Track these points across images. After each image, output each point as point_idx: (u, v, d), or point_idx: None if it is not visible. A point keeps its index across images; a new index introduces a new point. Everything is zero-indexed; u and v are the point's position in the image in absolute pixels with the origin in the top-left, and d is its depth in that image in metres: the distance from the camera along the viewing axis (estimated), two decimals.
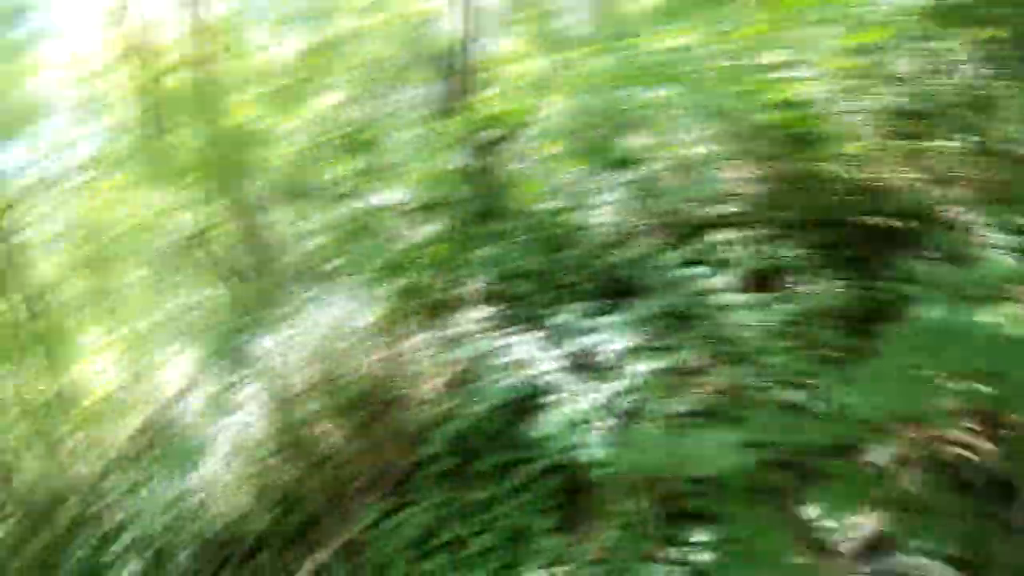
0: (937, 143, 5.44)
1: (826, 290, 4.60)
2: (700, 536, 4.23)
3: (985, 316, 3.88)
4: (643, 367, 4.49)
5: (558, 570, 4.53)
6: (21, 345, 12.06)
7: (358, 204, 6.36)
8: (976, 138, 5.02)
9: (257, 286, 7.15)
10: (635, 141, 5.95)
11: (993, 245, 4.60)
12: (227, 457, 6.57)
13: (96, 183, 11.64)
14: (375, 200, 6.39)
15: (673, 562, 4.20)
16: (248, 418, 6.53)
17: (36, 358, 12.09)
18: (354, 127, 6.40)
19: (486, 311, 4.85)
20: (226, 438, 6.63)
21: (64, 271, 15.15)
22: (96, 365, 11.46)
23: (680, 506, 4.49)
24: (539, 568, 4.63)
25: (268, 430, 6.38)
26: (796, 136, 5.55)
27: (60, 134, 16.39)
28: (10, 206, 12.14)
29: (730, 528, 2.43)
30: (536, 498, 4.95)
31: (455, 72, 7.68)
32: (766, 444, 3.01)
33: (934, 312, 3.86)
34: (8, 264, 11.71)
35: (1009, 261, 4.63)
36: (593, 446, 4.27)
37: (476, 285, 5.69)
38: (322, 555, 5.73)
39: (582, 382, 4.43)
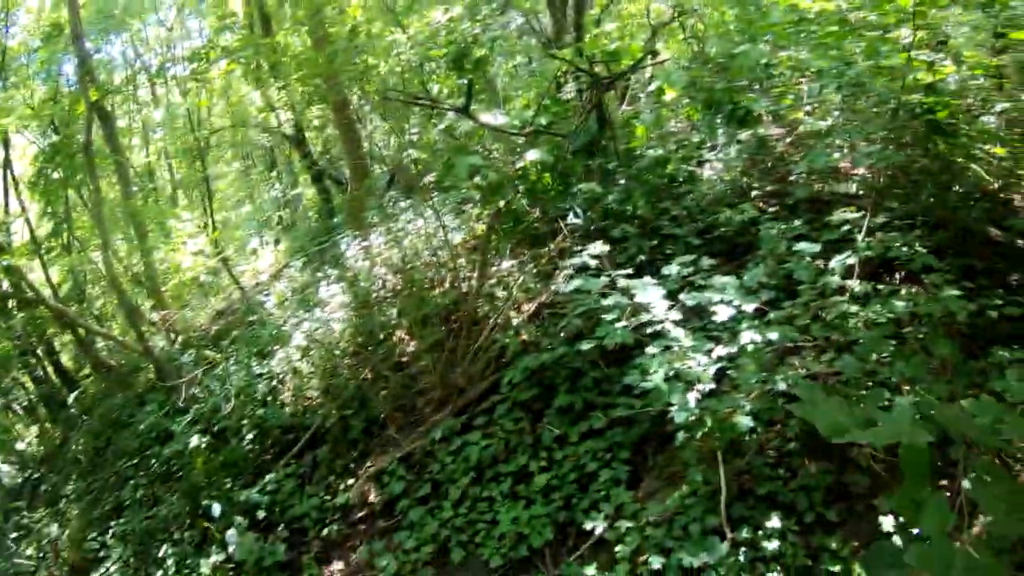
0: None
1: (943, 296, 3.96)
2: (772, 523, 3.77)
3: None
4: (750, 335, 3.95)
5: (620, 524, 4.13)
6: (116, 223, 12.04)
7: (461, 121, 5.82)
8: None
9: (350, 190, 6.68)
10: (756, 99, 5.24)
11: None
12: (302, 350, 6.30)
13: (199, 76, 11.25)
14: (479, 119, 5.84)
15: (739, 544, 3.74)
16: (327, 315, 6.20)
17: (129, 236, 12.05)
18: (463, 45, 5.80)
19: (591, 245, 4.32)
20: (304, 332, 6.33)
21: (162, 158, 15.01)
22: (185, 248, 11.33)
23: (754, 487, 4.07)
24: (601, 517, 4.25)
25: (346, 330, 6.05)
26: (935, 124, 4.76)
27: (167, 27, 16.08)
28: (114, 92, 11.90)
29: (898, 501, 1.97)
30: (609, 446, 4.55)
31: (567, 3, 6.97)
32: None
33: None
34: (109, 147, 11.55)
35: None
36: (687, 407, 3.77)
37: (575, 220, 5.17)
38: (383, 461, 5.47)
39: (686, 339, 3.92)
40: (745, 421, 3.85)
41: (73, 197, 13.08)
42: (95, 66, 11.48)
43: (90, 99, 9.67)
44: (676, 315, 3.79)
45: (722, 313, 3.84)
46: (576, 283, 3.87)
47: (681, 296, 3.88)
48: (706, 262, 4.26)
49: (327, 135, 9.47)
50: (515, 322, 5.13)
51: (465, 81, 5.85)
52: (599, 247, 4.05)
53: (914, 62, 4.69)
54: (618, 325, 3.63)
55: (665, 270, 4.08)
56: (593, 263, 4.07)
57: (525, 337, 4.94)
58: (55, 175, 11.93)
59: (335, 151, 9.47)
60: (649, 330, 3.83)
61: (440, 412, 5.28)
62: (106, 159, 11.62)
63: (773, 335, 3.86)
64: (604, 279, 3.82)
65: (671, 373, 3.68)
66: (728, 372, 4.03)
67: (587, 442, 4.65)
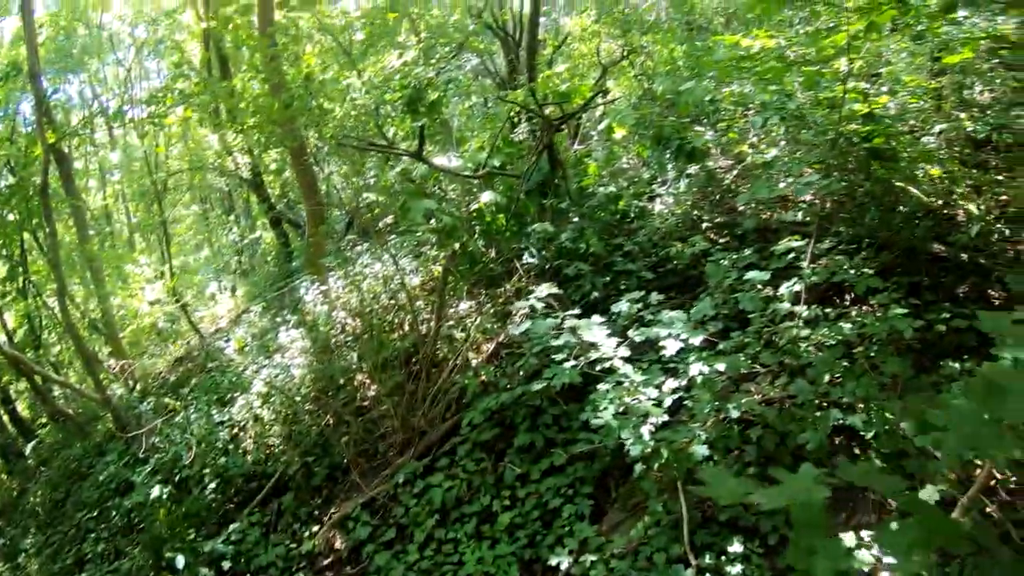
0: (1013, 178, 4.87)
1: (890, 315, 4.13)
2: (735, 547, 3.86)
3: None
4: (699, 367, 4.07)
5: (585, 558, 4.18)
6: (73, 268, 11.80)
7: (416, 164, 5.90)
8: None
9: (308, 234, 6.70)
10: (704, 134, 5.43)
11: None
12: (263, 397, 6.25)
13: (157, 119, 11.20)
14: (434, 162, 5.93)
15: (704, 570, 3.82)
16: (288, 361, 6.17)
17: (86, 281, 11.81)
18: (417, 88, 5.92)
19: (539, 287, 4.42)
20: (264, 379, 6.29)
21: (119, 201, 14.77)
22: (143, 293, 11.15)
23: (716, 514, 4.15)
24: (566, 553, 4.29)
25: (306, 376, 6.03)
26: (873, 150, 5.00)
27: (124, 69, 15.98)
28: (71, 134, 11.78)
29: (789, 554, 2.06)
30: (571, 482, 4.60)
31: (520, 45, 7.15)
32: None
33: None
34: (65, 189, 11.39)
35: None
36: (641, 440, 3.87)
37: (530, 260, 5.26)
38: (347, 507, 5.43)
39: (637, 373, 4.02)
40: (701, 450, 3.96)
41: (28, 240, 12.84)
42: (52, 106, 11.36)
43: (47, 140, 9.55)
44: (624, 352, 3.89)
45: (671, 347, 3.95)
46: (525, 326, 3.96)
47: (630, 332, 3.98)
48: (655, 297, 4.38)
49: (285, 178, 9.48)
50: (474, 363, 5.18)
51: (420, 124, 5.95)
52: (546, 290, 4.15)
53: (849, 94, 4.93)
54: (567, 365, 3.72)
55: (615, 307, 4.19)
56: (540, 306, 4.16)
57: (484, 378, 4.99)
58: (10, 217, 11.71)
59: (293, 195, 9.47)
60: (599, 367, 3.93)
61: (403, 455, 5.28)
62: (63, 202, 11.45)
63: (722, 366, 3.98)
64: (552, 321, 3.92)
65: (621, 408, 3.76)
66: (686, 403, 4.13)
67: (549, 479, 4.69)
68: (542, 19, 7.48)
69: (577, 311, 4.18)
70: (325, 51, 8.30)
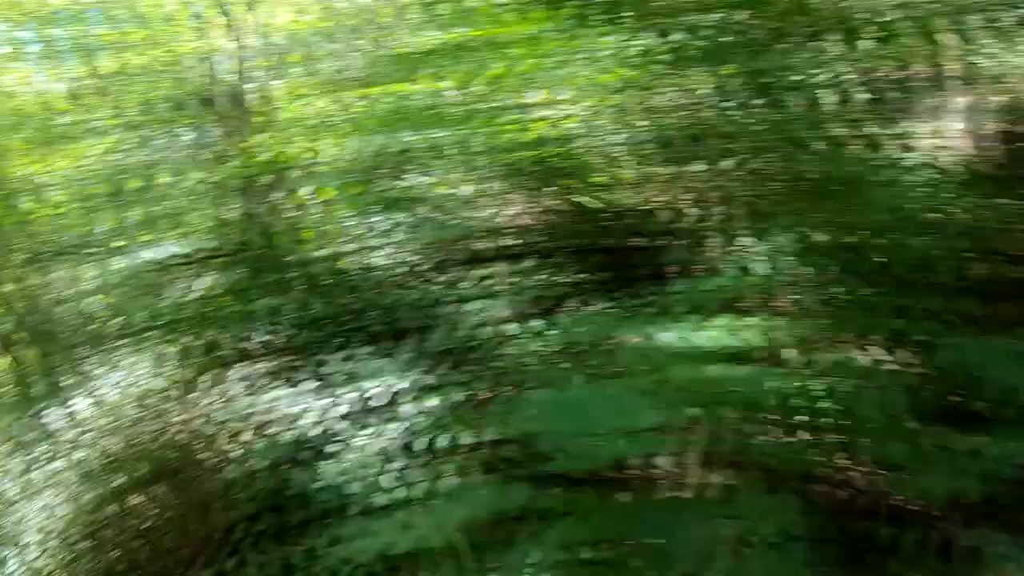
0: (689, 168, 5.77)
1: (594, 313, 4.84)
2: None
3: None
4: (424, 405, 4.56)
5: None
6: None
7: (133, 259, 5.86)
8: (724, 162, 5.33)
9: (36, 353, 6.32)
10: (407, 182, 5.92)
11: (743, 257, 4.95)
12: (33, 547, 5.91)
13: None
14: (150, 253, 5.92)
15: None
16: (49, 500, 5.88)
17: None
18: (124, 175, 5.85)
19: (270, 363, 4.69)
20: (33, 526, 5.93)
21: None
22: None
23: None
24: None
25: (74, 511, 5.79)
26: (555, 170, 5.75)
27: None
28: None
29: None
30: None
31: (229, 114, 7.17)
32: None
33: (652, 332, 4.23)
34: None
35: (733, 273, 5.01)
36: (383, 489, 4.29)
37: (261, 337, 5.47)
38: None
39: (361, 427, 4.42)
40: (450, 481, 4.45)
41: None
42: None
43: None
44: (339, 409, 4.29)
45: (379, 396, 4.41)
46: (249, 404, 4.24)
47: (339, 390, 4.39)
48: (375, 348, 4.81)
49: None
50: (230, 453, 5.31)
51: (130, 215, 5.89)
52: (272, 362, 4.44)
53: (514, 123, 5.65)
54: (280, 437, 4.05)
55: (323, 369, 4.58)
56: (268, 379, 4.45)
57: (241, 466, 5.14)
58: None
59: (9, 310, 8.71)
60: (319, 430, 4.30)
61: (192, 568, 5.30)
62: None
63: (433, 401, 4.51)
64: (269, 395, 4.23)
65: (342, 466, 4.16)
66: (411, 445, 4.56)
67: (334, 550, 4.93)
68: (251, 84, 7.51)
69: (297, 378, 4.51)
70: (19, 140, 7.70)
